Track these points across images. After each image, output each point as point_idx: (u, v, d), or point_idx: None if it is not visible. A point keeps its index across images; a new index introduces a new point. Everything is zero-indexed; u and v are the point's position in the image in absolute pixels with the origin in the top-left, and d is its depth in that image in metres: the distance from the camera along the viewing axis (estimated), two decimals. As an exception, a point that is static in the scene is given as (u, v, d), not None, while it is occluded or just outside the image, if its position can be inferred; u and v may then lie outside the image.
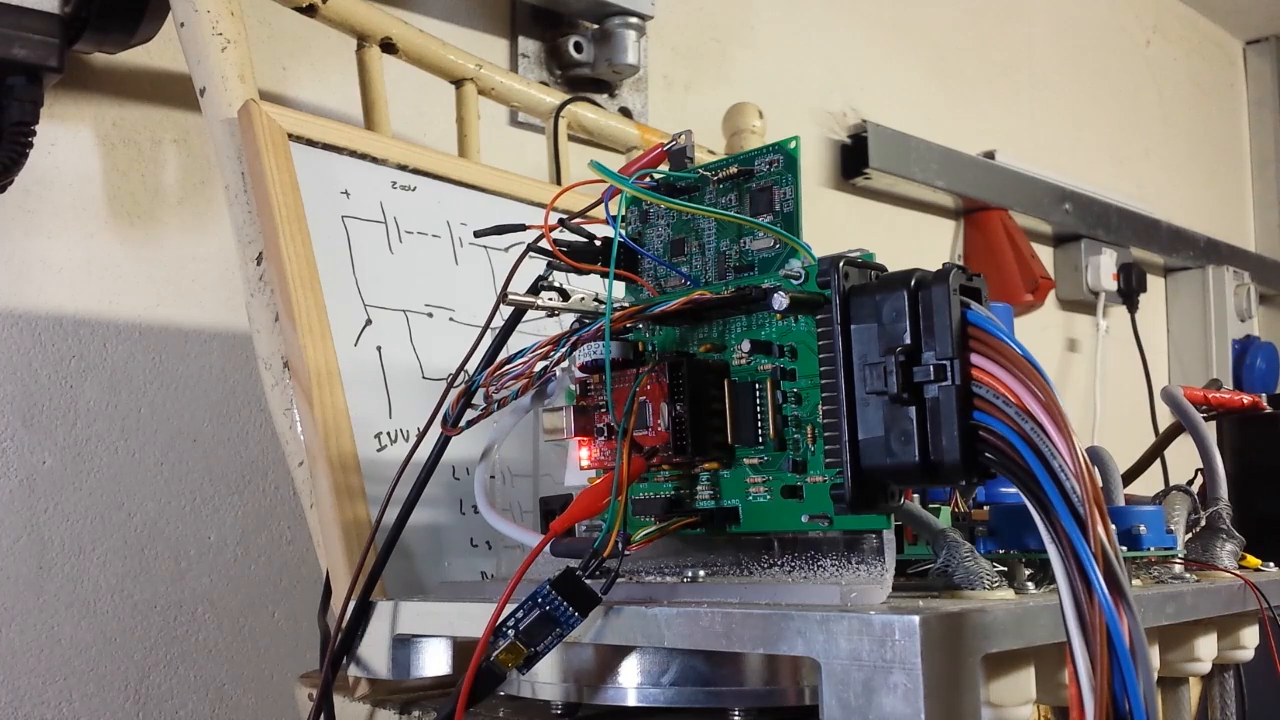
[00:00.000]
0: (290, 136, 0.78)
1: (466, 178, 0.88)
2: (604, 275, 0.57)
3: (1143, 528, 0.59)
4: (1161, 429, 0.87)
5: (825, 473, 0.52)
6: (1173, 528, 0.64)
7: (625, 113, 1.32)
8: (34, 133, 0.87)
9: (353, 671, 0.65)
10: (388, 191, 0.82)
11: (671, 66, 1.44)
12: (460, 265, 0.84)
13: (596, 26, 1.28)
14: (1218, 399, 0.80)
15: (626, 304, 0.59)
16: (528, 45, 1.27)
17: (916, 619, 0.41)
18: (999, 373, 0.43)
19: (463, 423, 0.61)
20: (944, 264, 0.45)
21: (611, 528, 0.51)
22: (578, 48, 1.27)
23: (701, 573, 0.55)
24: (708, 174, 0.59)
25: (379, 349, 0.76)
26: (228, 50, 0.79)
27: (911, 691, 0.41)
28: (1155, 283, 2.23)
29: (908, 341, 0.45)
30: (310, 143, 0.79)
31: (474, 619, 0.57)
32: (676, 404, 0.54)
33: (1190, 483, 0.75)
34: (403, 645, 0.63)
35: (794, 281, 0.52)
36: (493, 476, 0.64)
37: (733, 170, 0.58)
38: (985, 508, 0.63)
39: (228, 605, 1.01)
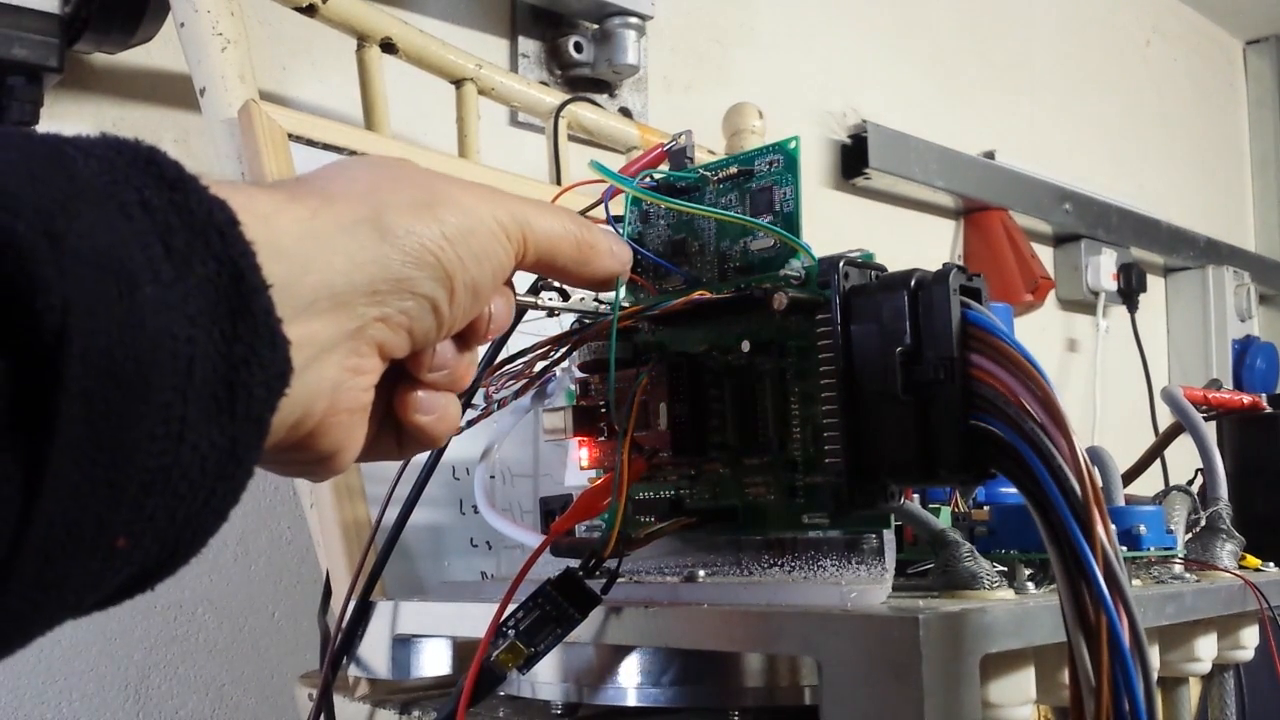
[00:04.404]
0: (290, 136, 0.77)
1: (466, 177, 0.88)
2: (604, 275, 0.56)
3: (1143, 528, 0.59)
4: (1161, 429, 0.87)
5: (825, 473, 0.52)
6: (1173, 528, 0.64)
7: (625, 113, 1.32)
8: (34, 133, 0.87)
9: (353, 671, 0.65)
10: (388, 191, 0.82)
11: (671, 66, 1.44)
12: (460, 265, 0.84)
13: (596, 26, 1.28)
14: (1218, 399, 0.80)
15: (626, 304, 0.59)
16: (528, 45, 1.27)
17: (917, 619, 0.41)
18: (999, 373, 0.43)
19: (463, 423, 0.61)
20: (944, 264, 0.45)
21: (611, 528, 0.51)
22: (578, 48, 1.27)
23: (701, 573, 0.55)
24: (708, 174, 0.59)
25: (379, 349, 0.76)
26: (228, 50, 0.79)
27: (911, 691, 0.41)
28: (1155, 283, 2.23)
29: (908, 341, 0.45)
30: (310, 143, 0.79)
31: (474, 619, 0.57)
32: (677, 404, 0.54)
33: (1190, 483, 0.75)
34: (403, 645, 0.63)
35: (794, 282, 0.52)
36: (493, 476, 0.64)
37: (733, 170, 0.58)
38: (985, 508, 0.63)
39: (228, 605, 1.01)
